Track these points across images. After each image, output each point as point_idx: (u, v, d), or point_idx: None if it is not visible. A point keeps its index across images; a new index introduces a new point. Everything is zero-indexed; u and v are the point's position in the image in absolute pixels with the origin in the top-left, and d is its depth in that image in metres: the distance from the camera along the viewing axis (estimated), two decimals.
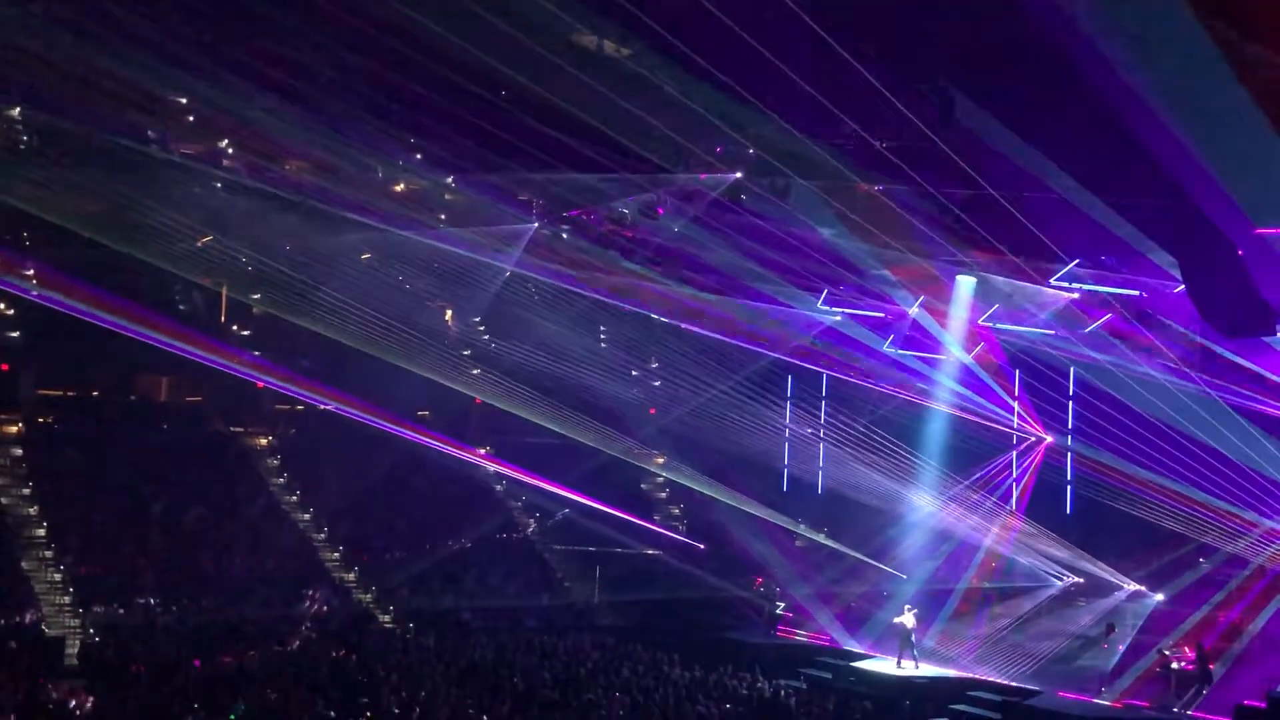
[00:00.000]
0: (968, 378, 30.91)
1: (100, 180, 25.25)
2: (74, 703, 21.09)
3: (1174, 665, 25.31)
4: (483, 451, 39.02)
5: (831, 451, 35.90)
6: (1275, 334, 21.59)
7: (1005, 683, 26.45)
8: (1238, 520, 26.41)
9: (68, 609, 28.97)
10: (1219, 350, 23.64)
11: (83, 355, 33.78)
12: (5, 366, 35.84)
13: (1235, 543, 26.75)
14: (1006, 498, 32.11)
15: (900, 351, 31.16)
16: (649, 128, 20.17)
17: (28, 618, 27.79)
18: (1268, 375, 23.70)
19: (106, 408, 37.76)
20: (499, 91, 19.95)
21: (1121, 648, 27.53)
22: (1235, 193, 17.45)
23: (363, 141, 23.82)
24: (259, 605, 30.46)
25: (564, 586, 36.36)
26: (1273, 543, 26.29)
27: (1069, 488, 31.39)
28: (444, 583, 34.37)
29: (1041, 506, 31.12)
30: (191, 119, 24.81)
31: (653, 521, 38.78)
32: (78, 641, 27.41)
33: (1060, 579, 31.17)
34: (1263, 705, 23.05)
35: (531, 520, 39.25)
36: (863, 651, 29.64)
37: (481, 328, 37.17)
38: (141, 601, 29.65)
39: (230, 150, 26.34)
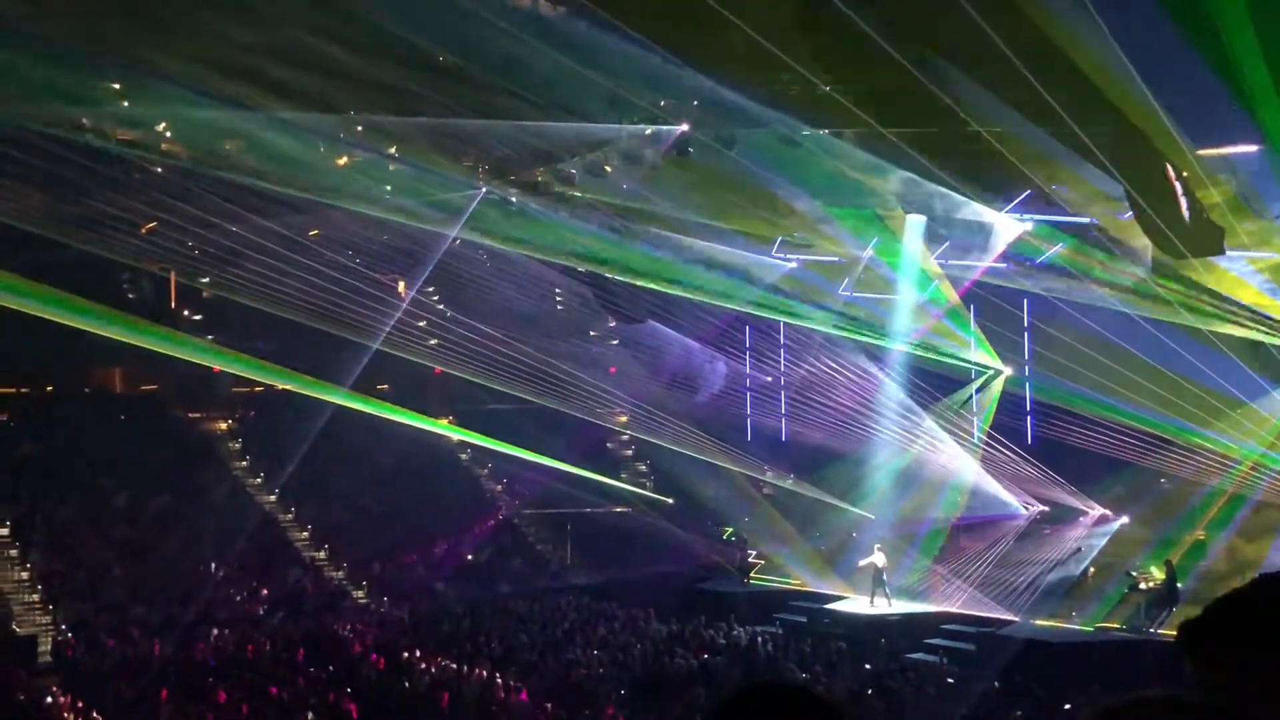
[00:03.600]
0: (922, 316, 31.00)
1: (41, 171, 24.83)
2: (51, 700, 20.93)
3: (1142, 586, 25.65)
4: (445, 421, 38.85)
5: (792, 398, 35.93)
6: (1224, 254, 21.84)
7: (979, 614, 26.75)
8: (1196, 444, 26.70)
9: (37, 606, 28.69)
10: (1170, 274, 23.83)
11: (33, 351, 33.21)
12: None
13: (1193, 465, 27.03)
14: (969, 432, 32.29)
15: (855, 294, 31.20)
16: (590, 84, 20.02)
17: None
18: (1220, 294, 23.93)
19: (62, 402, 37.27)
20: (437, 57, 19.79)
21: (1091, 570, 27.90)
22: (1175, 115, 17.59)
23: (304, 117, 23.55)
24: (229, 589, 30.28)
25: (536, 550, 36.37)
26: (1232, 464, 26.59)
27: (1029, 418, 31.62)
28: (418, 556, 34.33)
29: (1003, 438, 31.32)
30: (127, 104, 24.43)
31: (619, 479, 38.80)
32: (49, 639, 27.18)
33: (1026, 508, 31.44)
34: None
35: (499, 486, 39.22)
36: (836, 593, 29.87)
37: (435, 297, 36.89)
38: (111, 594, 29.39)
39: (169, 134, 25.96)
